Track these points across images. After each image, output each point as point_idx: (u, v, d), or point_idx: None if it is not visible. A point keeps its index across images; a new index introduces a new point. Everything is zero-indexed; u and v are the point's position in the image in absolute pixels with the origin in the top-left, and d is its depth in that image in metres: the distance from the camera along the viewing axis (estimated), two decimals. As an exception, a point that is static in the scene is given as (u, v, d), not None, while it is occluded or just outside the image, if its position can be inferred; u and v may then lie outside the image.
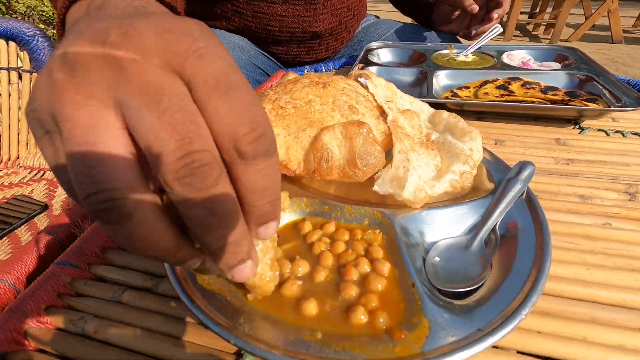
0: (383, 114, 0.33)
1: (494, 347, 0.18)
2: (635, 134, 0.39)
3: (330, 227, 0.26)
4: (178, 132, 0.12)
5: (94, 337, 0.21)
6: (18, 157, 0.67)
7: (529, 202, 0.27)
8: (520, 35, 3.75)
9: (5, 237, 0.53)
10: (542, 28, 3.82)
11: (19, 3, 2.18)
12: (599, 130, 0.40)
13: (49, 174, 0.66)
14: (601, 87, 0.45)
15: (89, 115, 0.12)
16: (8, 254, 0.49)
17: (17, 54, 0.62)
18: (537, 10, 3.90)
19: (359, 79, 0.36)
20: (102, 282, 0.25)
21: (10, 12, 2.15)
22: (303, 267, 0.22)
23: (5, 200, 0.59)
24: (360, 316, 0.19)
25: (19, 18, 2.21)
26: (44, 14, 2.29)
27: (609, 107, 0.41)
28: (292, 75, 0.38)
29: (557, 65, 0.55)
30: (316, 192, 0.31)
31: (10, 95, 0.64)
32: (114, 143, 0.12)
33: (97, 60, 0.12)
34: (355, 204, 0.28)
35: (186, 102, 0.13)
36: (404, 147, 0.29)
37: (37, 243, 0.44)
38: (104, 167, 0.12)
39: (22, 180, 0.64)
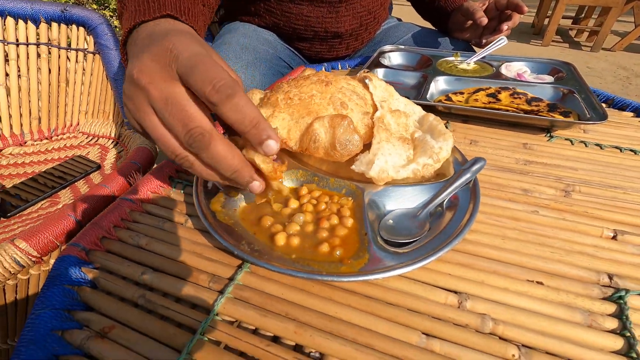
0: (377, 111, 0.41)
1: (404, 276, 0.27)
2: (597, 144, 0.45)
3: (317, 193, 0.35)
4: (179, 120, 0.23)
5: (144, 248, 0.31)
6: (78, 124, 0.80)
7: (474, 188, 0.34)
8: (561, 40, 3.60)
9: (67, 188, 0.65)
10: (585, 35, 3.65)
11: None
12: (565, 139, 0.46)
13: (102, 140, 0.78)
14: (579, 101, 0.50)
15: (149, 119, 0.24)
16: (71, 200, 0.62)
17: (85, 37, 0.74)
18: (583, 15, 3.72)
19: (365, 80, 0.44)
20: (149, 215, 0.35)
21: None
22: (297, 218, 0.31)
23: (67, 159, 0.72)
24: (324, 249, 0.28)
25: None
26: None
27: (579, 119, 0.47)
28: (308, 71, 0.47)
29: (550, 78, 0.60)
30: (312, 167, 0.40)
31: (76, 71, 0.77)
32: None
33: (136, 90, 0.24)
34: (339, 177, 0.36)
35: (179, 98, 0.23)
36: (381, 138, 0.37)
37: (95, 192, 0.56)
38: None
39: (80, 144, 0.77)
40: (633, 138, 0.46)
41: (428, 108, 0.51)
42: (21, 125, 0.75)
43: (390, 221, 0.32)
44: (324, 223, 0.31)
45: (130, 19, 0.33)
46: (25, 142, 0.75)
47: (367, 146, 0.37)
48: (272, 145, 0.24)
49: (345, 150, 0.35)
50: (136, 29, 0.32)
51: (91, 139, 0.79)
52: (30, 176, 0.67)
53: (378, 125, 0.38)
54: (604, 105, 0.55)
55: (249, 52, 0.70)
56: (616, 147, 0.44)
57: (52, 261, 0.47)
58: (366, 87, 0.44)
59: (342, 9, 0.74)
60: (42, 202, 0.62)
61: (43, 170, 0.68)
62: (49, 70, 0.75)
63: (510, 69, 0.63)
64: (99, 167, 0.70)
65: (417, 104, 0.45)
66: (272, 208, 0.33)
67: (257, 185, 0.26)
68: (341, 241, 0.29)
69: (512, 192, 0.37)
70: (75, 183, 0.67)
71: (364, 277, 0.25)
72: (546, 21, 3.77)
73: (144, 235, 0.32)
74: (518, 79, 0.59)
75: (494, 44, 0.67)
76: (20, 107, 0.74)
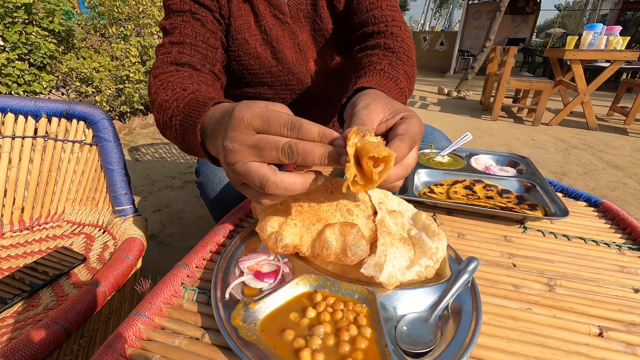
0: (375, 212, 0.45)
1: (436, 392, 0.28)
2: (564, 235, 0.51)
3: (331, 299, 0.37)
4: (272, 147, 0.32)
5: (162, 371, 0.31)
6: (63, 212, 0.78)
7: (472, 289, 0.38)
8: (506, 116, 4.13)
9: (48, 285, 0.62)
10: (526, 111, 4.23)
11: (62, 64, 2.48)
12: (538, 230, 0.53)
13: (88, 229, 0.76)
14: (541, 194, 0.58)
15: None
16: (53, 301, 0.58)
17: (84, 130, 0.77)
18: (520, 95, 4.36)
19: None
20: (163, 330, 0.35)
21: (53, 72, 2.42)
22: (317, 331, 0.33)
23: (49, 252, 0.69)
24: (350, 365, 0.29)
25: (60, 77, 2.48)
26: (82, 74, 2.57)
27: (546, 213, 0.54)
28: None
29: (512, 170, 0.70)
30: (319, 268, 0.42)
31: (69, 161, 0.78)
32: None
33: (230, 156, 0.34)
34: (348, 281, 0.39)
35: (263, 138, 0.33)
36: (386, 241, 0.41)
37: (87, 293, 0.54)
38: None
39: (64, 233, 0.75)
40: (591, 228, 0.53)
41: (416, 203, 0.57)
42: (1, 215, 0.72)
43: (404, 327, 0.34)
44: (344, 334, 0.32)
45: (193, 122, 0.44)
46: (4, 234, 0.72)
47: (371, 247, 0.40)
48: (339, 142, 0.33)
49: (355, 256, 0.38)
50: (204, 125, 0.42)
51: (76, 228, 0.77)
52: (7, 273, 0.62)
53: (381, 229, 0.42)
54: (560, 195, 0.64)
55: None
56: (581, 238, 0.50)
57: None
58: (364, 189, 0.49)
59: (311, 100, 0.81)
60: (20, 302, 0.57)
61: (22, 265, 0.64)
62: (41, 161, 0.76)
63: (478, 162, 0.72)
64: (84, 259, 0.67)
65: (408, 200, 0.51)
66: (290, 318, 0.34)
67: (341, 142, 0.33)
68: (363, 355, 0.30)
69: (504, 288, 0.41)
70: (58, 279, 0.63)
71: (393, 397, 0.26)
72: (491, 99, 4.36)
73: (160, 356, 0.32)
74: (487, 172, 0.68)
75: (460, 139, 0.77)
76: (4, 197, 0.72)
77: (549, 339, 0.34)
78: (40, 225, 0.76)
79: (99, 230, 0.76)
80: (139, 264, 0.68)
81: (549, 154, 2.78)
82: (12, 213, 0.73)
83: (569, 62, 3.47)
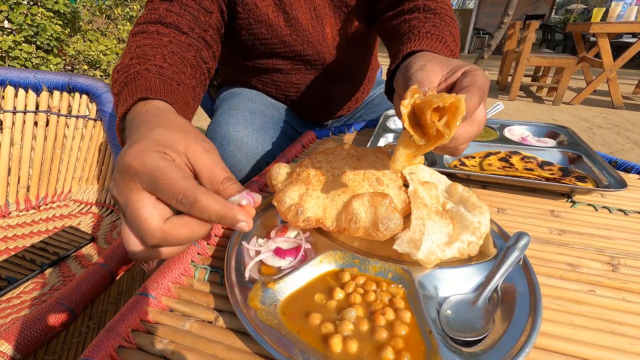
0: (406, 183, 0.40)
1: (495, 387, 0.23)
2: (620, 210, 0.45)
3: (361, 279, 0.32)
4: (172, 193, 0.24)
5: (171, 358, 0.27)
6: (70, 191, 0.75)
7: (525, 267, 0.32)
8: (525, 95, 3.96)
9: (56, 266, 0.59)
10: (545, 90, 4.04)
11: (69, 47, 2.44)
12: (588, 204, 0.46)
13: (95, 208, 0.73)
14: (590, 165, 0.52)
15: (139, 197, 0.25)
16: (60, 281, 0.55)
17: (87, 105, 0.73)
18: (540, 74, 4.16)
19: (389, 151, 0.44)
20: (172, 313, 0.31)
21: (61, 55, 2.39)
22: (348, 314, 0.28)
23: (57, 231, 0.66)
24: (389, 355, 0.25)
25: (68, 60, 2.45)
26: (89, 57, 2.54)
27: (597, 185, 0.48)
28: (331, 143, 0.47)
29: (551, 141, 0.63)
30: (343, 244, 0.37)
31: (74, 138, 0.74)
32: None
33: (114, 194, 0.26)
34: (379, 258, 0.34)
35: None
36: (421, 214, 0.35)
37: (93, 273, 0.51)
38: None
39: (71, 213, 0.72)
40: (650, 202, 0.47)
41: (448, 175, 0.51)
42: (7, 194, 0.70)
43: (449, 311, 0.29)
44: (380, 319, 0.27)
45: (116, 109, 0.37)
46: (10, 214, 0.69)
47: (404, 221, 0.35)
48: (244, 226, 0.25)
49: (387, 230, 0.33)
50: (125, 119, 0.35)
51: (83, 207, 0.74)
52: (14, 252, 0.60)
53: (415, 201, 0.36)
54: (608, 167, 0.57)
55: (258, 116, 0.70)
56: (639, 213, 0.44)
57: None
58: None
59: (330, 73, 0.76)
60: (27, 282, 0.55)
61: (28, 245, 0.62)
62: (45, 138, 0.72)
63: (513, 133, 0.65)
64: (92, 239, 0.65)
65: (440, 172, 0.45)
66: (315, 300, 0.30)
67: (244, 225, 0.25)
68: (405, 342, 0.26)
69: (559, 267, 0.35)
70: (66, 259, 0.60)
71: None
72: (509, 79, 4.17)
73: (168, 341, 0.28)
74: (524, 142, 0.62)
75: (491, 109, 0.70)
76: (8, 175, 0.69)
77: (622, 325, 0.28)
78: (47, 205, 0.73)
79: (107, 209, 0.73)
80: (149, 244, 0.64)
81: (569, 127, 2.65)
82: (17, 192, 0.71)
83: (592, 38, 3.26)
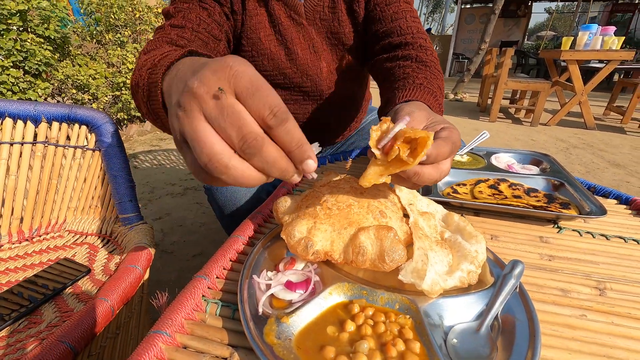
0: (406, 214, 0.42)
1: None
2: (602, 235, 0.49)
3: (370, 310, 0.33)
4: (235, 126, 0.24)
5: (189, 397, 0.27)
6: (65, 221, 0.75)
7: (522, 294, 0.35)
8: (504, 117, 4.14)
9: (51, 300, 0.58)
10: (523, 112, 4.25)
11: (58, 71, 2.44)
12: (573, 230, 0.50)
13: (91, 239, 0.73)
14: (572, 192, 0.56)
15: (201, 125, 0.25)
16: (57, 317, 0.54)
17: (86, 135, 0.73)
18: (517, 96, 4.38)
19: (390, 184, 0.46)
20: (186, 350, 0.31)
21: (49, 79, 2.38)
22: (361, 347, 0.29)
23: (51, 264, 0.65)
24: (403, 386, 0.26)
25: (56, 85, 2.44)
26: (78, 81, 2.54)
27: (579, 211, 0.51)
28: (332, 175, 0.49)
29: (535, 169, 0.67)
30: (349, 275, 0.39)
31: (71, 168, 0.74)
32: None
33: (192, 98, 0.25)
34: (385, 289, 0.36)
35: (235, 108, 0.25)
36: (423, 245, 0.37)
37: (94, 308, 0.50)
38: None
39: (66, 244, 0.71)
40: (629, 227, 0.51)
41: (443, 204, 0.54)
42: (-1, 226, 0.68)
43: (455, 340, 0.31)
44: (391, 350, 0.29)
45: (162, 61, 0.36)
46: (2, 246, 0.68)
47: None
48: (311, 164, 0.27)
49: (393, 262, 0.35)
50: (174, 65, 0.34)
51: (78, 238, 0.73)
52: (6, 288, 0.58)
53: (417, 232, 0.39)
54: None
55: None
56: (620, 237, 0.48)
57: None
58: (392, 189, 0.46)
59: (323, 102, 0.80)
60: (22, 320, 0.53)
61: (22, 279, 0.60)
62: (41, 168, 0.72)
63: (499, 161, 0.69)
64: (88, 271, 0.64)
65: (435, 201, 0.48)
66: (327, 333, 0.31)
67: (312, 164, 0.27)
68: (417, 373, 0.27)
69: (552, 293, 0.38)
70: (62, 293, 0.59)
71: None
72: (489, 101, 4.38)
73: (186, 380, 0.28)
74: (510, 170, 0.66)
75: (477, 138, 0.75)
76: (2, 207, 0.68)
77: (613, 349, 0.31)
78: (40, 236, 0.72)
79: (103, 240, 0.72)
80: (147, 275, 0.64)
81: (550, 155, 2.77)
82: (10, 224, 0.69)
83: (563, 63, 3.49)
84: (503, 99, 4.22)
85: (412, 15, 0.68)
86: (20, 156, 0.70)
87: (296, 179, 0.28)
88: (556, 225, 0.51)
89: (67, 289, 0.60)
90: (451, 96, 5.46)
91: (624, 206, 0.57)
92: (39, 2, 2.15)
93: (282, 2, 0.67)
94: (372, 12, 0.68)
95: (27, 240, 0.70)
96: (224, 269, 0.41)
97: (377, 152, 0.34)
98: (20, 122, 0.69)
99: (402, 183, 0.37)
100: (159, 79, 0.35)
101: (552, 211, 0.50)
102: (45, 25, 2.24)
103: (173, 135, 0.28)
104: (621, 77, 6.11)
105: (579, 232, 0.49)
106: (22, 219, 0.71)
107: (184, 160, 0.28)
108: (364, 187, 0.36)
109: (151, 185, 2.04)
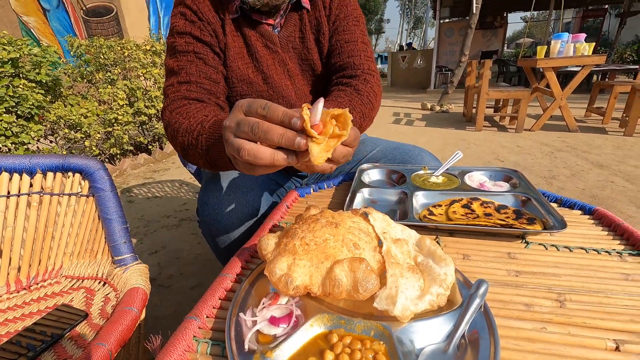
0: (380, 242, 0.46)
1: None
2: (566, 247, 0.52)
3: (347, 339, 0.36)
4: (244, 124, 0.41)
5: None
6: (61, 267, 0.77)
7: (485, 313, 0.38)
8: (489, 125, 4.25)
9: (50, 348, 0.59)
10: (508, 119, 4.37)
11: (50, 113, 2.49)
12: (539, 244, 0.53)
13: (87, 282, 0.75)
14: (537, 207, 0.60)
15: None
16: (56, 364, 0.55)
17: (80, 182, 0.77)
18: (500, 104, 4.51)
19: (364, 214, 0.50)
20: (179, 390, 0.34)
21: (41, 121, 2.43)
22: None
23: (49, 311, 0.66)
24: (375, 410, 0.29)
25: (48, 126, 2.49)
26: (70, 120, 2.59)
27: (545, 226, 0.55)
28: (312, 210, 0.53)
29: (506, 185, 0.71)
30: (330, 305, 0.42)
31: (66, 214, 0.77)
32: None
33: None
34: (362, 317, 0.39)
35: (242, 117, 0.42)
36: (395, 272, 0.41)
37: (92, 354, 0.52)
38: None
39: (62, 290, 0.73)
40: (590, 237, 0.54)
41: (418, 227, 0.57)
42: (-3, 277, 0.70)
43: (424, 362, 0.34)
44: (366, 376, 0.32)
45: (212, 133, 0.57)
46: (0, 297, 0.69)
47: (381, 279, 0.40)
48: (295, 121, 0.39)
49: (366, 291, 0.38)
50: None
51: (75, 282, 0.75)
52: (6, 338, 0.60)
53: (389, 260, 0.42)
54: (554, 205, 0.66)
55: (247, 178, 0.77)
56: (582, 248, 0.52)
57: None
58: (366, 219, 0.49)
59: None
60: (21, 371, 0.55)
61: (21, 329, 0.62)
62: (37, 217, 0.75)
63: (472, 179, 0.74)
64: (86, 315, 0.65)
65: (410, 225, 0.51)
66: (308, 364, 0.34)
67: (299, 140, 0.39)
68: (388, 396, 0.30)
69: (516, 308, 0.41)
70: (60, 340, 0.61)
71: None
72: (473, 111, 4.50)
73: (179, 420, 0.31)
74: (482, 188, 0.70)
75: (451, 158, 0.80)
76: (0, 258, 0.71)
77: (566, 358, 0.34)
78: (38, 284, 0.74)
79: (99, 282, 0.74)
80: (143, 315, 0.66)
81: (536, 159, 2.85)
82: (8, 274, 0.71)
83: (542, 70, 3.63)
84: (487, 107, 4.35)
85: (366, 55, 0.81)
86: (17, 207, 0.73)
87: (299, 141, 0.39)
88: (524, 240, 0.55)
89: (65, 335, 0.62)
90: (437, 108, 5.60)
91: (587, 216, 0.61)
92: (30, 50, 2.23)
93: (259, 33, 0.78)
94: (334, 47, 0.81)
95: (25, 289, 0.72)
96: (214, 307, 0.44)
97: (314, 133, 0.40)
98: (16, 175, 0.72)
99: (336, 160, 0.46)
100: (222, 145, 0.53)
101: (518, 228, 0.53)
102: (37, 70, 2.31)
103: (229, 157, 0.46)
104: (599, 78, 6.33)
105: (544, 245, 0.53)
106: (19, 268, 0.73)
107: (235, 165, 0.46)
108: (318, 165, 0.42)
109: (146, 219, 2.05)
